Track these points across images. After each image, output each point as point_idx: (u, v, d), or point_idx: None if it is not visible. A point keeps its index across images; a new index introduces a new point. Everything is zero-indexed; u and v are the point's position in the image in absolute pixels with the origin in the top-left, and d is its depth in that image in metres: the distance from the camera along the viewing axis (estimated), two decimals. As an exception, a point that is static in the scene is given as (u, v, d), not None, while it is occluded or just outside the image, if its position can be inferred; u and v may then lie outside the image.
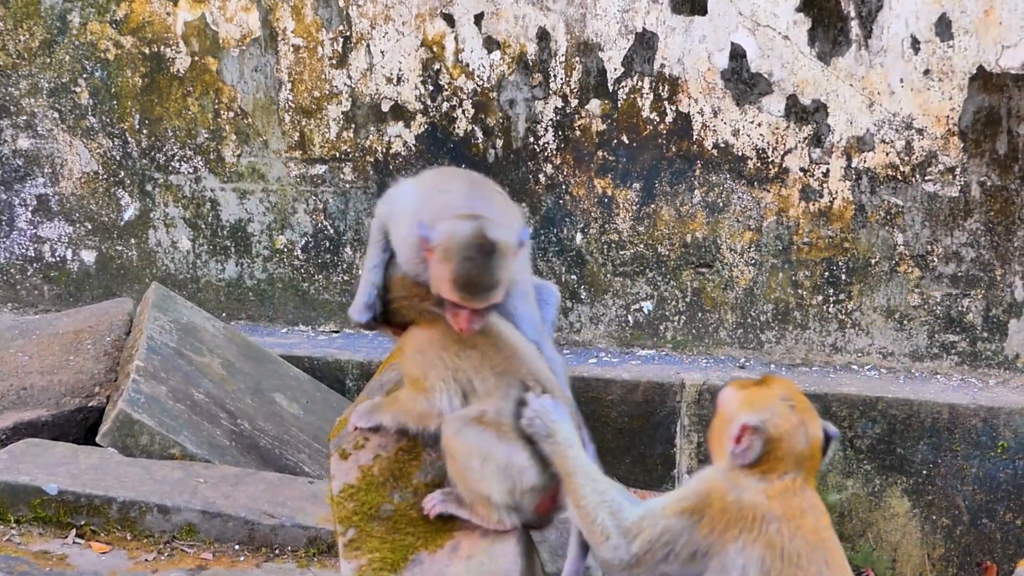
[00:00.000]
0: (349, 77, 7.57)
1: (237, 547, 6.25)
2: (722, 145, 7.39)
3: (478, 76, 7.46)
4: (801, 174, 7.36)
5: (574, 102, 7.45)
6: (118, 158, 7.78)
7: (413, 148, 7.51)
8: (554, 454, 4.83)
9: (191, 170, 7.74)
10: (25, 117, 7.82)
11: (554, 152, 7.45)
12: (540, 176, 7.44)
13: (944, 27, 7.16)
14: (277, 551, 6.23)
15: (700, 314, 7.51)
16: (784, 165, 7.36)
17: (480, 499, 4.91)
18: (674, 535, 4.69)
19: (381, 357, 6.42)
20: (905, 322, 7.37)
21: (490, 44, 7.46)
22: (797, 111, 7.31)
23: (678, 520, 4.68)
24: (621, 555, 4.70)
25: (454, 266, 4.97)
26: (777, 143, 7.36)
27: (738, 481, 4.71)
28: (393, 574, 4.89)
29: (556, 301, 5.74)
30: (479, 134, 7.49)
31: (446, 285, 4.98)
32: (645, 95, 7.41)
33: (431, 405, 4.94)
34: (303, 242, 7.73)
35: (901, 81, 7.22)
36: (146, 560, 6.18)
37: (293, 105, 7.62)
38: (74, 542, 6.27)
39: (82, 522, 6.28)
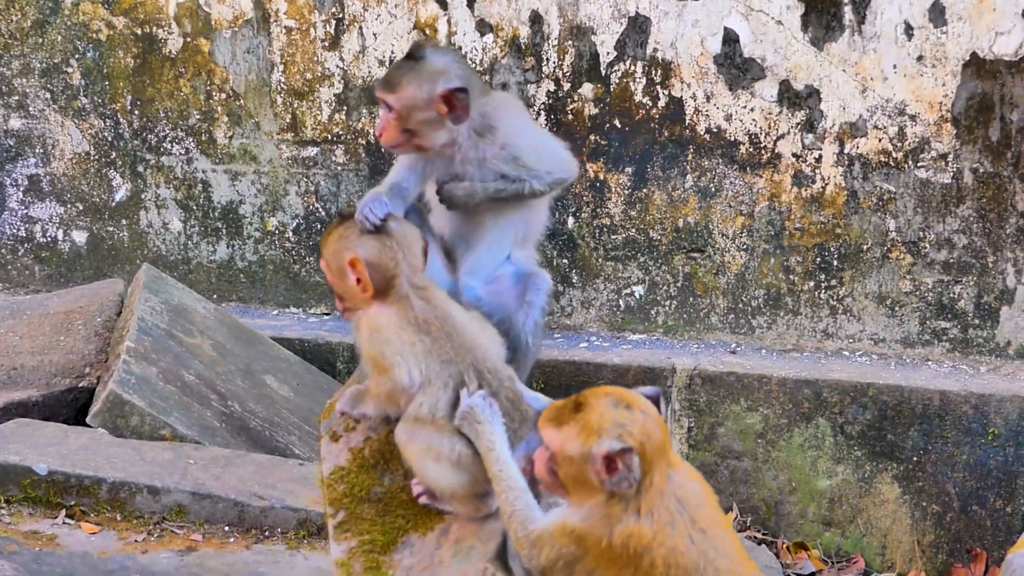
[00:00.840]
0: (341, 59, 7.56)
1: (227, 528, 6.26)
2: (714, 130, 7.40)
3: (471, 59, 7.46)
4: (793, 159, 7.36)
5: (567, 86, 7.45)
6: (110, 139, 7.78)
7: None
8: (482, 455, 4.78)
9: (183, 151, 7.74)
10: (17, 97, 7.81)
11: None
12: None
13: (938, 13, 7.16)
14: (267, 533, 6.24)
15: (691, 299, 7.51)
16: (776, 150, 7.37)
17: (449, 494, 4.91)
18: (569, 559, 4.64)
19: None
20: (896, 308, 7.38)
21: (483, 27, 7.45)
22: (790, 96, 7.31)
23: (569, 548, 4.62)
24: (534, 563, 4.66)
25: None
26: (770, 128, 7.36)
27: (608, 517, 4.60)
28: (383, 556, 4.89)
29: (547, 288, 5.77)
30: (472, 117, 7.49)
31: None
32: (638, 79, 7.41)
33: (395, 383, 4.92)
34: (294, 224, 7.73)
35: (894, 67, 7.22)
36: (135, 541, 6.19)
37: (285, 87, 7.62)
38: (64, 522, 6.27)
39: (72, 502, 6.29)
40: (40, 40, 7.75)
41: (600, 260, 7.52)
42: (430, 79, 5.52)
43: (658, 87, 7.41)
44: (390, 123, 5.54)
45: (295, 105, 7.63)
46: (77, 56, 7.75)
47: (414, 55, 5.55)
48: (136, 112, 7.74)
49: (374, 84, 5.35)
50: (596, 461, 4.44)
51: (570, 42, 7.43)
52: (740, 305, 7.49)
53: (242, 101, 7.66)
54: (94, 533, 6.17)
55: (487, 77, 7.46)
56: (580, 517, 4.57)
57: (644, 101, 7.42)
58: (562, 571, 4.64)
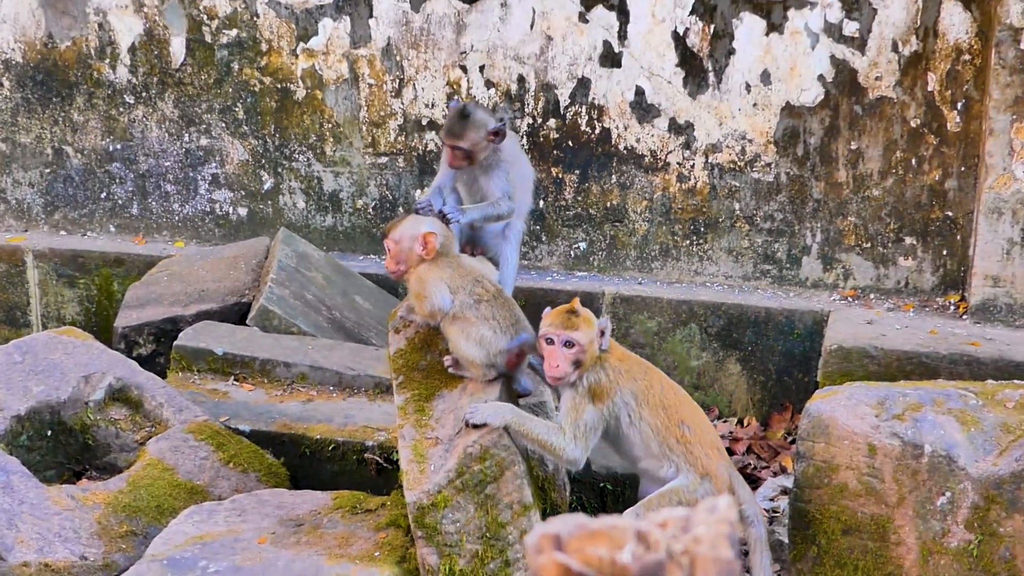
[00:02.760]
0: (402, 103, 7.51)
1: (331, 388, 6.26)
2: (629, 148, 7.35)
3: (481, 103, 7.40)
4: (677, 166, 7.32)
5: (539, 120, 7.40)
6: (261, 151, 7.73)
7: (440, 147, 7.47)
8: (509, 428, 4.69)
9: (305, 160, 7.69)
10: (204, 125, 7.76)
11: (527, 151, 7.40)
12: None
13: (766, 77, 7.12)
14: (356, 391, 6.24)
15: (614, 251, 7.48)
16: (667, 160, 7.32)
17: (470, 362, 4.89)
18: (592, 420, 4.67)
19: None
20: (739, 257, 7.35)
21: (488, 84, 7.40)
22: (675, 127, 7.27)
23: (585, 414, 4.66)
24: (575, 451, 4.70)
25: (445, 126, 5.54)
26: (663, 147, 7.31)
27: (596, 369, 4.70)
28: (426, 403, 4.89)
29: (520, 229, 5.82)
30: (481, 139, 7.44)
31: (443, 135, 5.55)
32: (583, 117, 7.35)
33: (432, 305, 4.91)
34: (373, 204, 7.69)
35: (739, 110, 7.17)
36: (276, 395, 6.19)
37: (368, 120, 7.57)
38: (232, 384, 6.27)
39: (237, 372, 6.29)
40: (219, 90, 7.70)
41: (559, 227, 7.48)
42: (482, 126, 5.46)
43: (595, 121, 7.36)
44: (458, 155, 5.50)
45: (374, 131, 7.58)
46: (241, 100, 7.69)
47: (464, 113, 5.49)
48: (277, 135, 7.69)
49: (442, 133, 5.41)
50: (598, 336, 4.68)
51: (542, 93, 7.38)
52: (644, 255, 7.46)
53: (342, 128, 7.60)
54: (251, 390, 6.17)
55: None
56: (594, 380, 4.68)
57: (586, 130, 7.38)
58: (591, 435, 4.70)
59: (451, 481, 4.62)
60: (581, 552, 1.31)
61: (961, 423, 4.72)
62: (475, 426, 4.63)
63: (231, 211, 7.86)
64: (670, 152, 7.32)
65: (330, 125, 7.64)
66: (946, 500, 4.67)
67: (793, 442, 6.63)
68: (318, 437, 5.77)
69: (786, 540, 5.13)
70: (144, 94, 7.79)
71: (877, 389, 4.90)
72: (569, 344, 4.65)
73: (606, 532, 1.32)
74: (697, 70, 7.18)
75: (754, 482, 6.48)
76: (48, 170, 7.98)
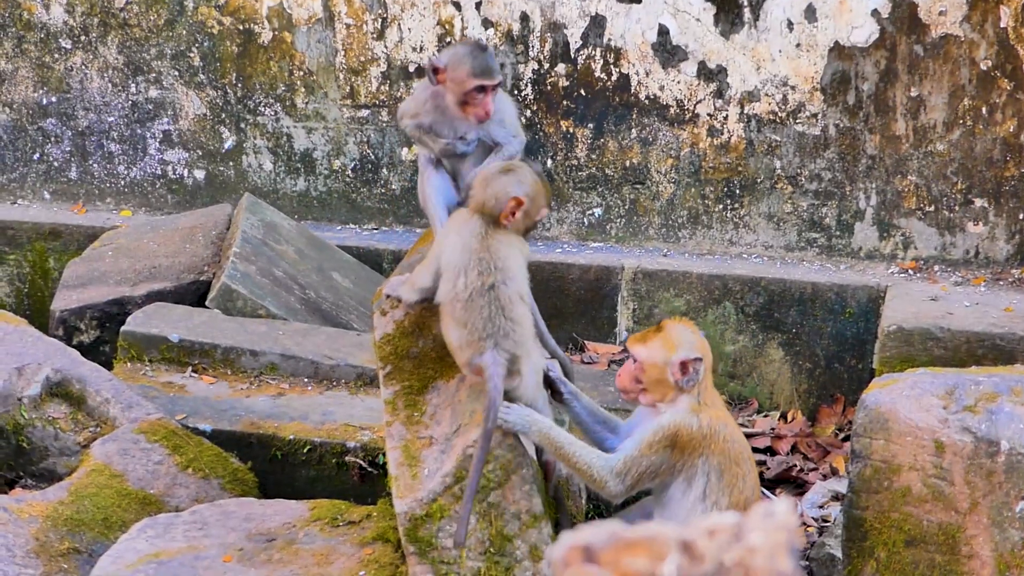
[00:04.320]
0: (385, 47, 7.49)
1: (306, 380, 6.27)
2: (652, 97, 7.34)
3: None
4: (708, 118, 7.31)
5: (546, 65, 7.39)
6: (220, 104, 7.72)
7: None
8: (541, 440, 4.66)
9: (272, 113, 7.68)
10: (154, 74, 7.75)
11: (532, 101, 7.39)
12: (522, 119, 7.36)
13: (811, 13, 7.10)
14: (334, 383, 6.24)
15: (635, 217, 7.47)
16: (696, 111, 7.31)
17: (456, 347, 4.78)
18: (655, 465, 4.67)
19: (408, 246, 6.38)
20: (780, 224, 7.34)
21: (486, 23, 7.38)
22: (705, 73, 7.25)
23: (657, 456, 4.66)
24: (618, 489, 4.69)
25: (471, 63, 4.98)
26: (691, 96, 7.30)
27: (686, 413, 4.69)
28: (418, 396, 4.88)
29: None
30: (478, 88, 7.42)
31: (468, 79, 4.97)
32: (597, 61, 7.34)
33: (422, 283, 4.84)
34: (352, 165, 7.68)
35: (780, 51, 7.16)
36: (241, 388, 6.20)
37: (345, 67, 7.56)
38: (190, 376, 6.28)
39: (196, 361, 6.30)
40: (170, 33, 7.69)
41: (570, 190, 7.47)
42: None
43: (611, 66, 7.34)
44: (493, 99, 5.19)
45: (352, 80, 7.57)
46: (197, 45, 7.68)
47: (484, 47, 5.31)
48: (239, 85, 7.68)
49: (474, 76, 4.92)
50: (675, 366, 4.60)
51: (548, 34, 7.36)
52: (669, 222, 7.45)
53: (315, 77, 7.59)
54: (212, 383, 6.18)
55: (490, 59, 7.40)
56: (668, 419, 4.65)
57: (601, 76, 7.36)
58: (646, 478, 4.68)
59: (448, 488, 4.62)
60: (616, 565, 1.30)
61: (1044, 415, 4.71)
62: (505, 430, 4.59)
63: (186, 174, 7.85)
64: (699, 102, 7.30)
65: (301, 73, 7.62)
66: (1026, 505, 4.67)
67: (846, 439, 6.63)
68: (291, 438, 5.77)
69: (839, 554, 5.13)
70: (83, 38, 7.77)
71: (945, 376, 4.90)
72: (634, 358, 4.71)
73: (645, 542, 1.31)
74: (730, 5, 7.16)
75: (800, 486, 6.49)
76: (-29, 128, 7.98)
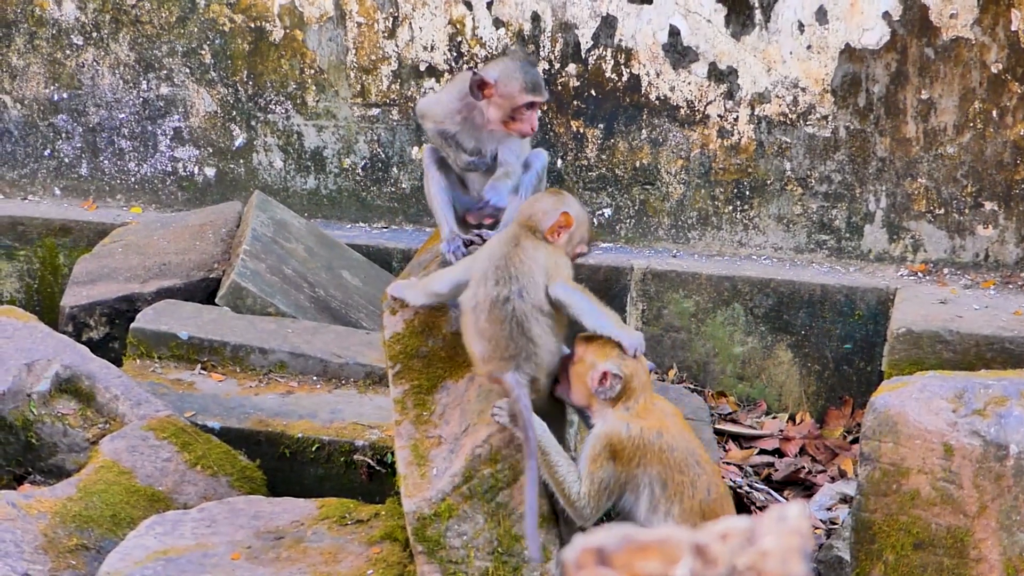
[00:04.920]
0: (396, 45, 7.50)
1: (315, 378, 6.27)
2: (662, 98, 7.34)
3: (488, 46, 7.40)
4: (718, 119, 7.31)
5: (557, 66, 7.39)
6: (231, 102, 7.73)
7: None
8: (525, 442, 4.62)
9: (283, 111, 7.68)
10: (165, 71, 7.76)
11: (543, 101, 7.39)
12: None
13: (822, 15, 7.10)
14: (343, 382, 6.25)
15: (644, 218, 7.47)
16: (706, 112, 7.31)
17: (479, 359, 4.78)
18: (606, 480, 4.60)
19: (418, 245, 6.39)
20: (790, 226, 7.34)
21: (497, 23, 7.39)
22: (716, 74, 7.26)
23: (603, 470, 4.59)
24: (587, 510, 4.61)
25: (522, 78, 4.92)
26: (701, 97, 7.30)
27: (614, 421, 4.61)
28: (427, 396, 4.88)
29: (543, 163, 5.42)
30: (489, 88, 7.43)
31: (520, 95, 4.91)
32: (608, 61, 7.34)
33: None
34: (362, 163, 7.69)
35: (791, 53, 7.16)
36: (250, 386, 6.20)
37: (356, 65, 7.56)
38: (199, 373, 6.28)
39: (205, 359, 6.30)
40: (182, 31, 7.69)
41: (580, 190, 7.48)
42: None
43: (622, 67, 7.34)
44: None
45: (364, 78, 7.57)
46: (208, 42, 7.69)
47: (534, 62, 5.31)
48: (250, 83, 7.69)
49: (525, 92, 4.87)
50: (596, 373, 4.54)
51: (559, 34, 7.36)
52: (679, 223, 7.45)
53: (326, 75, 7.60)
54: (221, 381, 6.18)
55: (500, 59, 7.41)
56: (599, 429, 4.60)
57: (612, 77, 7.36)
58: (603, 496, 4.60)
59: (457, 487, 4.62)
60: (629, 568, 1.30)
61: (1053, 419, 4.71)
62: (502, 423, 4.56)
63: (196, 171, 7.86)
64: (710, 103, 7.30)
65: (312, 71, 7.62)
66: (1035, 509, 4.66)
67: (854, 442, 6.63)
68: (300, 436, 5.77)
69: (847, 556, 5.13)
70: (95, 34, 7.78)
71: (954, 379, 4.90)
72: (572, 350, 4.66)
73: (658, 545, 1.31)
74: (741, 6, 7.16)
75: (809, 488, 6.49)
76: (-17, 124, 8.00)
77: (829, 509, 6.18)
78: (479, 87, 4.95)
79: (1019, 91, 6.99)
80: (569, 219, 4.71)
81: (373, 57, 7.54)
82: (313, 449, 5.76)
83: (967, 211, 7.16)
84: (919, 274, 7.18)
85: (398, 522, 4.91)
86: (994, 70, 6.99)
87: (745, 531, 1.35)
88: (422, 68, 7.50)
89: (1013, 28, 6.93)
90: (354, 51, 7.55)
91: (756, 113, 7.25)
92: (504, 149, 5.14)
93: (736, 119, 7.28)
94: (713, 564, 1.32)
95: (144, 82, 7.79)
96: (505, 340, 4.54)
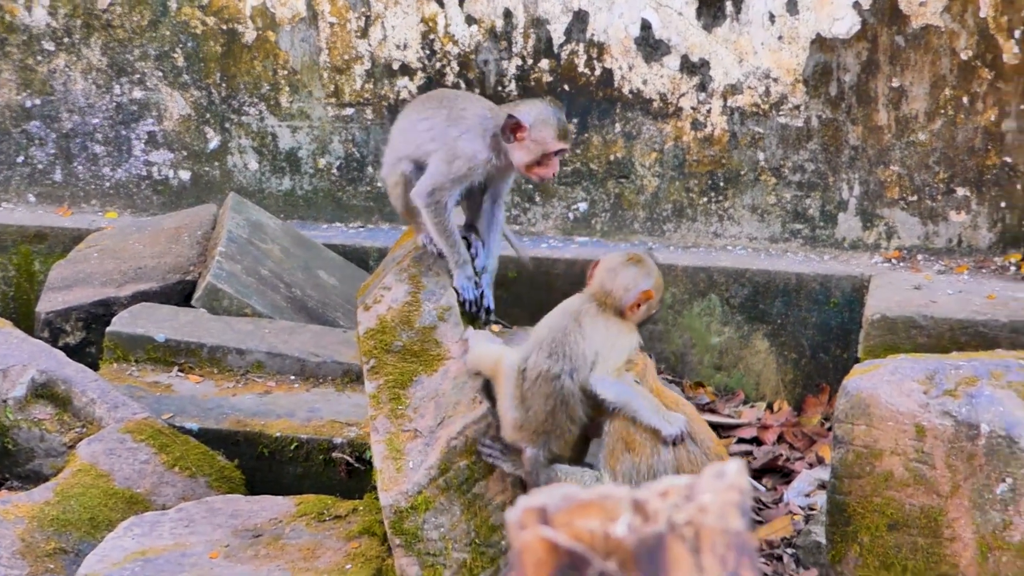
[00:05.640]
0: (369, 45, 7.52)
1: (292, 378, 6.29)
2: (635, 91, 7.37)
3: (461, 43, 7.42)
4: (691, 111, 7.34)
5: (530, 61, 7.42)
6: (205, 104, 7.74)
7: (415, 95, 7.49)
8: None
9: (257, 113, 7.70)
10: (138, 75, 7.77)
11: (516, 97, 7.43)
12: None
13: (792, 5, 7.14)
14: (321, 380, 6.27)
15: (620, 212, 7.50)
16: (679, 105, 7.34)
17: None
18: (626, 473, 4.63)
19: (392, 243, 6.41)
20: (765, 215, 7.38)
21: (470, 20, 7.41)
22: (688, 66, 7.29)
23: (619, 463, 4.65)
24: None
25: (556, 124, 4.99)
26: (674, 89, 7.33)
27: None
28: (402, 390, 4.91)
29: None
30: (462, 85, 7.45)
31: (553, 142, 4.98)
32: (580, 56, 7.37)
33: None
34: (338, 163, 7.71)
35: (762, 44, 7.19)
36: (228, 387, 6.22)
37: (330, 65, 7.58)
38: (176, 375, 6.30)
39: (182, 361, 6.31)
40: (154, 34, 7.71)
41: (555, 185, 7.51)
42: None
43: (595, 61, 7.37)
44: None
45: (337, 78, 7.59)
46: (180, 45, 7.70)
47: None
48: (224, 85, 7.70)
49: (555, 138, 4.99)
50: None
51: (532, 30, 7.39)
52: (654, 215, 7.48)
53: (299, 76, 7.62)
54: (198, 382, 6.19)
55: (473, 56, 7.43)
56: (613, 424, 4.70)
57: (585, 71, 7.39)
58: None
59: (433, 480, 4.65)
60: (570, 526, 1.33)
61: (1023, 398, 4.74)
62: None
63: (171, 175, 7.87)
64: (683, 95, 7.33)
65: (285, 72, 7.64)
66: (1007, 487, 4.70)
67: (832, 429, 6.66)
68: (278, 435, 5.79)
69: (824, 540, 5.16)
70: (66, 40, 7.79)
71: (925, 362, 4.93)
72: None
73: (598, 503, 1.34)
74: (711, -2, 7.20)
75: (787, 475, 6.52)
76: (-44, 132, 8.00)
77: (807, 495, 6.22)
78: (512, 130, 4.97)
79: (989, 77, 7.03)
80: (650, 295, 4.74)
81: (346, 57, 7.56)
82: (291, 448, 5.78)
83: (939, 197, 7.20)
84: (893, 261, 7.22)
85: (376, 517, 4.94)
86: (964, 56, 7.03)
87: (684, 488, 1.38)
88: (395, 67, 7.53)
89: (982, 15, 6.97)
90: (327, 51, 7.57)
91: (729, 104, 7.29)
92: (500, 188, 5.22)
93: (709, 111, 7.31)
94: (652, 520, 1.35)
95: (117, 86, 7.80)
96: (546, 415, 4.57)
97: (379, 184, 7.67)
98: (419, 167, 5.25)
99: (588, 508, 1.34)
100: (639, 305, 4.73)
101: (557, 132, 5.01)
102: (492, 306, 5.24)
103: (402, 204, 5.31)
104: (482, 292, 5.18)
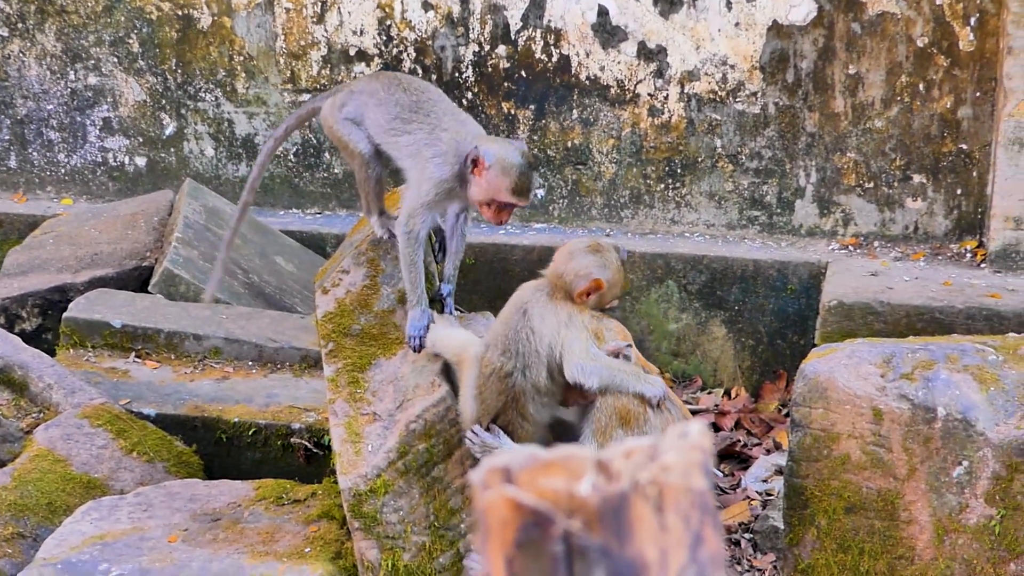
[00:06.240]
0: (326, 30, 7.52)
1: (250, 363, 6.29)
2: (592, 78, 7.39)
3: (418, 29, 7.43)
4: (648, 98, 7.37)
5: (487, 47, 7.43)
6: (160, 90, 7.72)
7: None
8: None
9: (213, 99, 7.69)
10: (93, 61, 7.74)
11: (473, 83, 7.44)
12: (463, 101, 7.43)
13: (749, -8, 7.18)
14: (279, 366, 6.27)
15: (577, 198, 7.53)
16: (636, 91, 7.37)
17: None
18: None
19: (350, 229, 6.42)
20: (722, 202, 7.42)
21: (426, 6, 7.42)
22: (645, 53, 7.31)
23: (611, 441, 4.69)
24: None
25: (515, 177, 4.87)
26: (631, 76, 7.36)
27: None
28: (360, 373, 4.92)
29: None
30: (419, 71, 7.46)
31: (505, 192, 4.88)
32: (537, 42, 7.39)
33: None
34: (294, 149, 7.70)
35: (719, 30, 7.23)
36: (185, 373, 6.21)
37: (286, 51, 7.58)
38: (133, 361, 6.29)
39: (139, 347, 6.30)
40: (109, 20, 7.68)
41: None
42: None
43: (552, 47, 7.39)
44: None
45: (293, 64, 7.59)
46: (136, 31, 7.68)
47: (533, 165, 5.23)
48: (179, 71, 7.69)
49: (512, 194, 4.93)
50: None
51: (488, 16, 7.40)
52: (612, 202, 7.51)
53: (255, 62, 7.61)
54: (155, 368, 6.19)
55: (430, 42, 7.43)
56: (607, 399, 4.74)
57: (542, 58, 7.41)
58: None
59: (392, 463, 4.67)
60: (534, 486, 1.35)
61: (979, 382, 4.80)
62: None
63: (127, 161, 7.85)
64: (640, 82, 7.36)
65: (241, 58, 7.63)
66: (963, 470, 4.75)
67: (789, 415, 6.70)
68: (236, 420, 5.79)
69: (782, 525, 5.20)
70: (20, 25, 7.76)
71: (882, 345, 4.98)
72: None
73: (562, 463, 1.36)
74: (669, -15, 7.23)
75: (744, 461, 6.57)
76: (-91, 118, 7.96)
77: (765, 481, 6.26)
78: (474, 163, 4.91)
79: (945, 64, 7.09)
80: (600, 284, 4.75)
81: (302, 43, 7.56)
82: (250, 433, 5.78)
83: (896, 184, 7.26)
84: (850, 247, 7.27)
85: (335, 501, 4.95)
86: (920, 44, 7.09)
87: (647, 448, 1.40)
88: (352, 53, 7.53)
89: (938, 2, 7.03)
90: (283, 37, 7.56)
91: (686, 91, 7.32)
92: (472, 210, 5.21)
93: (666, 97, 7.35)
94: (616, 479, 1.37)
95: (72, 72, 7.77)
96: (498, 411, 4.61)
97: (336, 171, 7.67)
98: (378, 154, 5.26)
99: (552, 468, 1.36)
100: (588, 293, 4.75)
101: (513, 185, 4.89)
102: (453, 312, 5.21)
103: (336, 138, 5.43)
104: (442, 303, 5.17)
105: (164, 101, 7.74)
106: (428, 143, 5.06)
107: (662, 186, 7.45)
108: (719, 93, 7.30)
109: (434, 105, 5.27)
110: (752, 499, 6.15)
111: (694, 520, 1.38)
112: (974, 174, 7.17)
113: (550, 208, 7.54)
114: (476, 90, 7.45)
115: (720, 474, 6.44)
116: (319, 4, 7.50)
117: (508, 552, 1.36)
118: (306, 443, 5.75)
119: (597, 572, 1.36)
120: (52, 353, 6.17)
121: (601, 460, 1.37)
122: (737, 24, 7.20)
